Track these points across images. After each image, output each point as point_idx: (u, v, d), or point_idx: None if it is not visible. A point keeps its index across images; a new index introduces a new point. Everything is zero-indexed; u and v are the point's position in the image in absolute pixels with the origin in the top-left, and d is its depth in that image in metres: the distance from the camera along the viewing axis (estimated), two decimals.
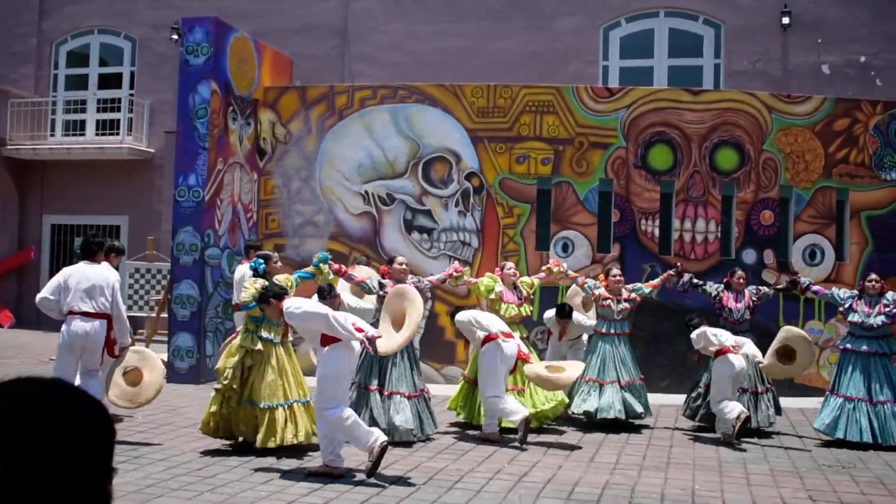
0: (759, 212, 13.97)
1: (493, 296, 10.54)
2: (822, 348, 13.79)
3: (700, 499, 7.53)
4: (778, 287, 11.37)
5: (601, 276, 11.18)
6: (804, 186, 14.01)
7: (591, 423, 10.72)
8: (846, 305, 10.32)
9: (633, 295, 10.97)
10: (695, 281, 11.15)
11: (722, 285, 11.06)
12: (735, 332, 10.63)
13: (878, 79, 19.38)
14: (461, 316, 10.19)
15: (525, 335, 10.77)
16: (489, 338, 9.77)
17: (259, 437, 8.62)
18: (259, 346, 8.80)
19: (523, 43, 20.14)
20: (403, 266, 9.96)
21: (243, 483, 7.61)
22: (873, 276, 10.39)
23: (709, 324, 10.47)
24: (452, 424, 10.59)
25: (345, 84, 16.29)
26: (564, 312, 11.23)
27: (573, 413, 10.83)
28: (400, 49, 20.55)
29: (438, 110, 14.31)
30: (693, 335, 10.27)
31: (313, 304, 8.23)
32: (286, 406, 8.79)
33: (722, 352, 10.00)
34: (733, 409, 9.73)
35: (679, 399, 12.42)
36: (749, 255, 13.85)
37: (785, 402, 11.49)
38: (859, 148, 14.08)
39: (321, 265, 9.55)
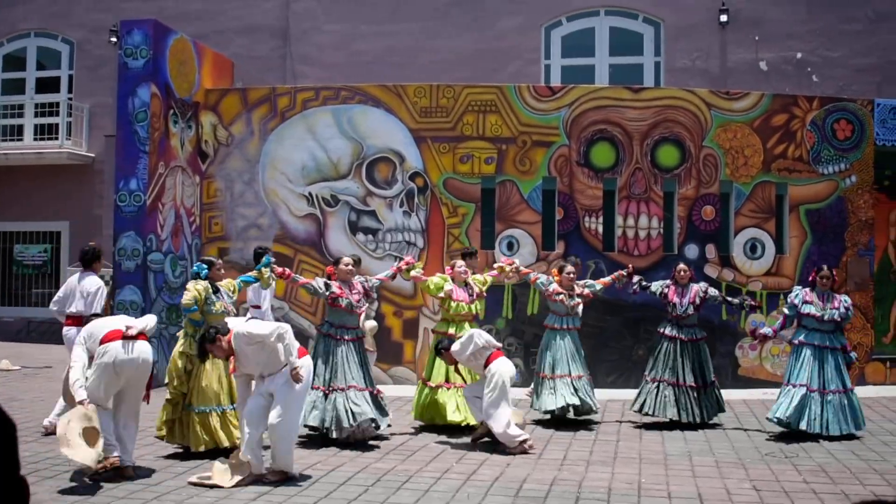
0: (700, 207, 14.15)
1: (441, 294, 10.52)
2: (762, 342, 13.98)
3: (646, 492, 7.61)
4: (730, 301, 11.27)
5: (554, 272, 11.19)
6: (744, 181, 14.21)
7: (539, 420, 10.79)
8: (801, 301, 10.37)
9: (586, 291, 11.06)
10: (643, 283, 11.23)
11: (668, 281, 11.18)
12: (680, 327, 10.76)
13: (815, 75, 19.72)
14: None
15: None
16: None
17: (193, 440, 8.60)
18: None
19: (466, 42, 20.19)
20: (349, 267, 9.92)
21: (189, 490, 7.54)
22: (825, 271, 10.46)
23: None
24: (418, 427, 10.56)
25: (287, 86, 16.21)
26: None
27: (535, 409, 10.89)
28: (342, 49, 20.49)
29: (381, 111, 14.29)
30: (456, 346, 9.67)
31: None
32: (220, 411, 8.72)
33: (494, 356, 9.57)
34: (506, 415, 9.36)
35: (625, 394, 12.57)
36: (691, 250, 14.02)
37: (729, 394, 11.64)
38: (797, 143, 14.32)
39: (263, 269, 9.49)
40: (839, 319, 10.27)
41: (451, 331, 10.41)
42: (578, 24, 20.57)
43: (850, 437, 10.04)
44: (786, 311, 10.50)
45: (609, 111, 14.15)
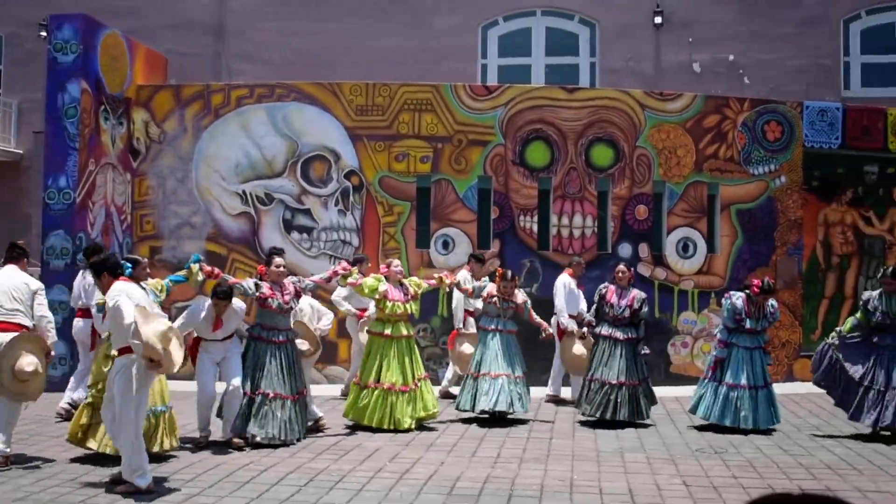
0: (633, 206, 14.30)
1: (377, 295, 10.47)
2: (695, 338, 14.20)
3: (578, 489, 7.67)
4: (638, 332, 11.27)
5: (497, 278, 11.12)
6: (676, 181, 14.39)
7: (473, 418, 10.81)
8: (743, 314, 10.55)
9: (521, 302, 11.05)
10: (593, 324, 11.19)
11: (606, 283, 11.21)
12: (616, 326, 10.82)
13: (746, 77, 20.05)
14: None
15: (412, 332, 10.73)
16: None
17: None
18: None
19: (403, 41, 20.18)
20: (281, 269, 9.81)
21: (115, 495, 7.41)
22: (766, 286, 10.62)
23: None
24: (352, 427, 10.49)
25: (221, 83, 16.04)
26: None
27: (462, 410, 10.88)
28: (278, 47, 20.35)
29: (317, 108, 14.20)
30: None
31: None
32: (149, 414, 8.54)
33: None
34: None
35: (560, 392, 12.64)
36: (625, 249, 14.15)
37: (660, 391, 11.76)
38: (728, 144, 14.53)
39: (192, 266, 9.36)
40: (767, 327, 10.69)
41: (387, 331, 10.39)
42: (515, 23, 20.68)
43: (772, 430, 10.33)
44: (726, 324, 10.64)
45: (544, 111, 14.23)
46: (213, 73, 20.03)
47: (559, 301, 12.27)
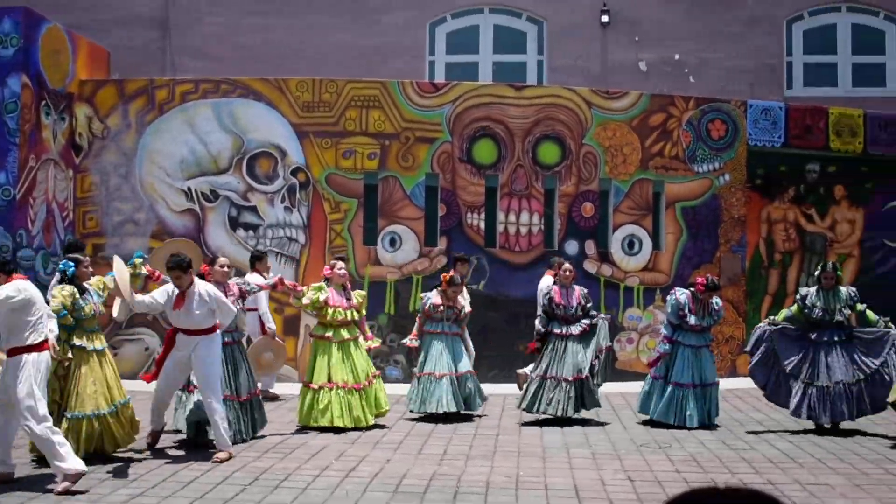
0: (580, 204, 14.38)
1: (318, 305, 10.33)
2: (640, 334, 14.33)
3: (524, 485, 7.69)
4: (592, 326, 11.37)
5: (444, 283, 11.08)
6: (622, 179, 14.50)
7: (422, 415, 10.81)
8: (687, 310, 10.65)
9: (464, 311, 11.07)
10: (541, 330, 11.14)
11: (550, 284, 11.20)
12: (569, 324, 10.84)
13: (692, 76, 20.24)
14: None
15: (354, 335, 10.56)
16: None
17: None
18: (70, 354, 8.41)
19: (350, 37, 20.08)
20: (225, 269, 9.69)
21: (60, 498, 7.30)
22: (702, 284, 10.76)
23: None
24: (299, 426, 10.43)
25: (166, 77, 15.85)
26: None
27: (412, 411, 10.88)
28: (223, 42, 20.15)
29: (263, 105, 14.10)
30: None
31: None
32: (95, 416, 8.41)
33: None
34: None
35: (506, 388, 12.69)
36: (571, 247, 14.24)
37: (606, 386, 11.81)
38: (673, 142, 14.68)
39: (136, 261, 9.23)
40: (712, 324, 10.81)
41: (329, 334, 10.29)
42: (463, 21, 20.68)
43: (716, 426, 10.48)
44: (670, 320, 10.73)
45: (492, 108, 14.27)
46: (157, 69, 19.78)
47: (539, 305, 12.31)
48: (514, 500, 7.26)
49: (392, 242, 14.00)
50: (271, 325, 11.83)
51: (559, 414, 10.54)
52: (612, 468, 8.34)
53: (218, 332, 8.84)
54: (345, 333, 10.35)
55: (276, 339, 11.84)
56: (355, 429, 9.99)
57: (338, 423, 9.99)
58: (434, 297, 10.98)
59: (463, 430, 10.21)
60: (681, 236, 14.65)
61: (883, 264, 16.56)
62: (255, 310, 11.93)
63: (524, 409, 10.79)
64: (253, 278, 12.01)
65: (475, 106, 14.23)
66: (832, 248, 16.26)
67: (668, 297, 10.87)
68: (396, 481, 7.75)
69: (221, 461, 8.39)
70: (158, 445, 9.09)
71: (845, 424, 10.28)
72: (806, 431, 10.21)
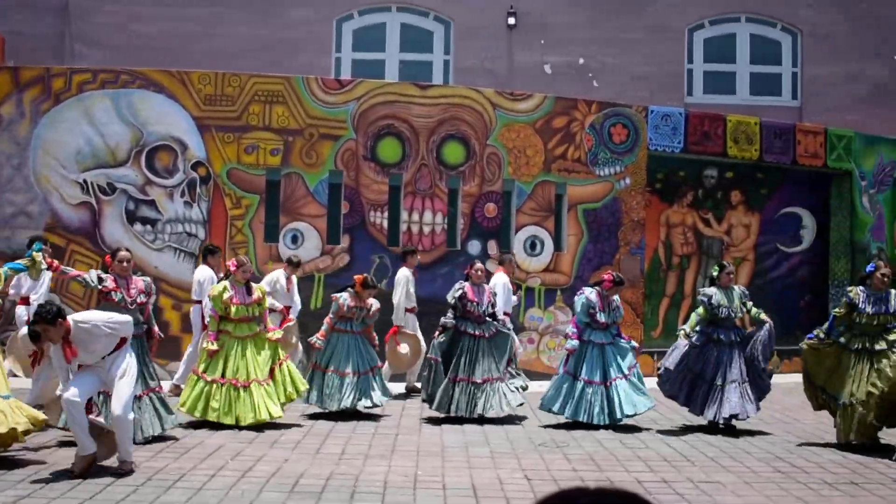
0: (483, 204, 14.45)
1: (223, 303, 10.20)
2: (541, 334, 14.46)
3: (422, 484, 7.68)
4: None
5: (358, 285, 11.00)
6: (525, 180, 14.61)
7: (320, 413, 10.73)
8: (596, 309, 10.79)
9: (373, 310, 11.05)
10: (448, 324, 11.15)
11: (462, 283, 11.14)
12: (479, 324, 10.88)
13: (595, 80, 20.53)
14: None
15: (257, 330, 10.42)
16: None
17: None
18: None
19: (256, 30, 19.85)
20: (125, 264, 9.47)
21: None
22: (609, 280, 10.93)
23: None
24: (190, 424, 10.21)
25: (62, 66, 15.40)
26: None
27: (309, 402, 10.79)
28: (124, 31, 19.71)
29: (163, 97, 13.80)
30: None
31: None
32: None
33: None
34: None
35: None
36: (474, 247, 14.29)
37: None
38: (576, 145, 14.85)
39: (35, 254, 8.95)
40: (617, 320, 11.00)
41: (228, 328, 10.17)
42: (370, 18, 20.62)
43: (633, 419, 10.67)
44: (580, 318, 10.83)
45: (397, 107, 14.23)
46: (55, 57, 19.24)
47: (499, 300, 12.34)
48: (411, 499, 7.24)
49: (294, 240, 13.86)
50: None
51: (468, 414, 10.57)
52: (510, 467, 8.38)
53: (126, 345, 8.17)
54: (246, 330, 10.23)
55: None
56: (254, 427, 9.86)
57: (213, 418, 9.91)
58: (349, 298, 10.92)
59: (362, 429, 10.15)
60: (582, 238, 14.83)
61: (776, 268, 17.04)
62: (200, 302, 11.99)
63: (435, 409, 10.80)
64: (201, 273, 11.98)
65: (380, 104, 14.18)
66: (728, 251, 16.65)
67: (577, 297, 10.92)
68: (293, 481, 7.66)
69: (124, 474, 7.98)
70: (46, 445, 8.82)
71: (745, 424, 10.53)
72: (702, 430, 10.42)
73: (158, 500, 7.01)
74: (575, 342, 10.73)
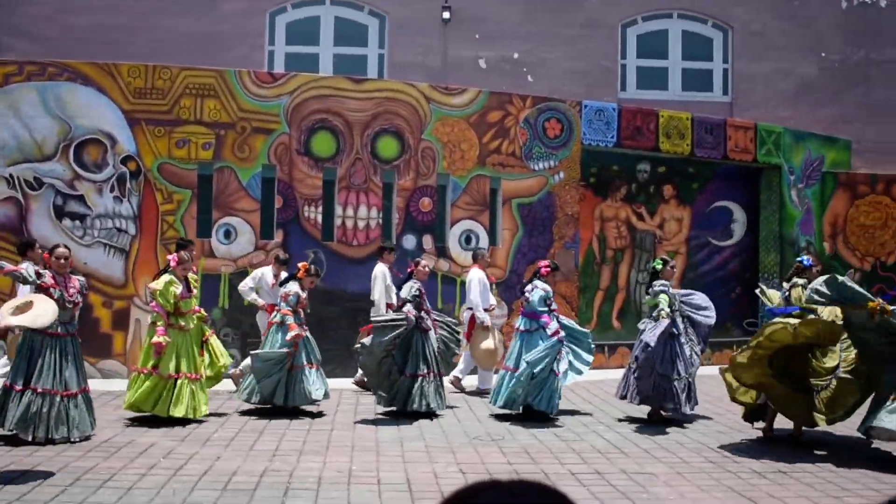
0: (418, 198, 14.42)
1: (172, 299, 10.11)
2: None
3: (356, 479, 7.65)
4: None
5: (302, 272, 10.94)
6: (460, 175, 14.61)
7: (253, 410, 10.64)
8: (551, 300, 10.94)
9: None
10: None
11: (414, 282, 11.09)
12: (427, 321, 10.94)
13: (530, 75, 20.60)
14: None
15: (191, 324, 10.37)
16: None
17: None
18: None
19: (187, 23, 19.57)
20: (62, 261, 9.30)
21: None
22: (547, 266, 11.02)
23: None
24: (132, 420, 10.04)
25: None
26: None
27: (256, 405, 10.70)
28: (53, 22, 19.30)
29: (92, 90, 13.52)
30: None
31: None
32: None
33: None
34: None
35: (343, 383, 12.61)
36: (409, 241, 14.26)
37: (444, 380, 11.87)
38: (510, 139, 14.89)
39: None
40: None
41: (182, 323, 10.13)
42: (303, 11, 20.45)
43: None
44: (538, 310, 10.87)
45: (330, 101, 14.13)
46: None
47: (475, 296, 12.39)
48: (345, 495, 7.20)
49: (227, 235, 13.69)
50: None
51: (412, 409, 10.59)
52: (445, 461, 8.39)
53: None
54: (192, 322, 10.31)
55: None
56: (186, 424, 9.77)
57: (189, 414, 9.91)
58: (298, 290, 10.84)
59: (297, 425, 10.08)
60: (517, 232, 14.88)
61: (707, 262, 17.29)
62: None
63: (395, 409, 10.79)
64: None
65: (314, 98, 14.06)
66: (661, 245, 16.85)
67: (532, 291, 10.88)
68: (226, 479, 7.58)
69: None
70: None
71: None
72: (635, 422, 10.53)
73: (87, 501, 6.89)
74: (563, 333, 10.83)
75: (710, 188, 17.37)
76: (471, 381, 12.88)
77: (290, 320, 10.74)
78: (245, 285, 12.47)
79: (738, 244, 17.73)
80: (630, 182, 16.61)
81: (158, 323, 10.13)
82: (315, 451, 8.71)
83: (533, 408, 10.52)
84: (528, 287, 11.04)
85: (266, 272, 12.50)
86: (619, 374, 14.12)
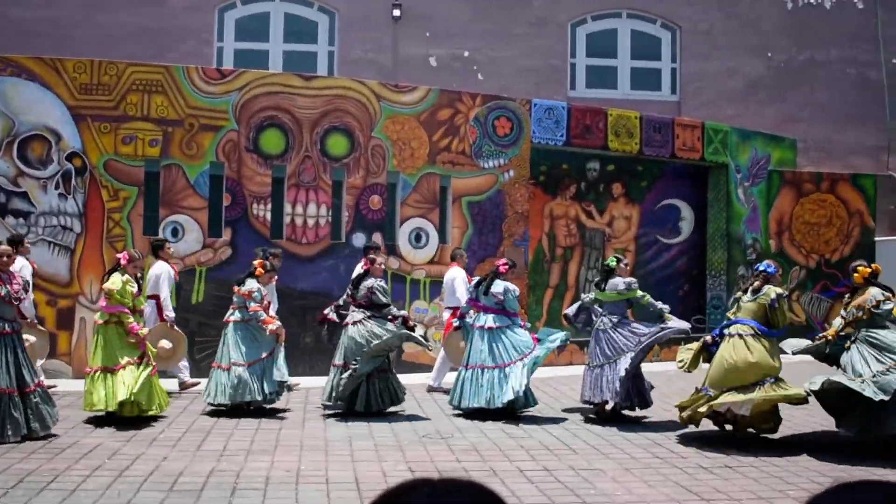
0: (368, 196, 14.38)
1: (128, 296, 10.02)
2: (427, 327, 14.47)
3: (305, 479, 7.60)
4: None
5: (259, 269, 10.83)
6: (410, 172, 14.60)
7: (204, 410, 10.55)
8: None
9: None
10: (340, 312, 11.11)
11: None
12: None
13: (480, 73, 20.65)
14: None
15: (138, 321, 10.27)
16: None
17: None
18: None
19: (134, 18, 19.35)
20: (5, 258, 9.16)
21: None
22: (505, 265, 11.11)
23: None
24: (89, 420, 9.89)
25: None
26: None
27: (211, 404, 10.60)
28: (0, 16, 18.98)
29: (36, 85, 13.29)
30: None
31: None
32: None
33: None
34: None
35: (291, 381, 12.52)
36: (358, 239, 14.21)
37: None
38: (460, 137, 14.90)
39: None
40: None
41: (131, 321, 9.98)
42: (253, 7, 20.31)
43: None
44: (513, 309, 10.92)
45: (280, 98, 14.04)
46: None
47: (460, 294, 12.31)
48: (293, 494, 7.16)
49: (174, 233, 13.54)
50: (170, 312, 11.75)
51: (361, 409, 10.61)
52: (394, 459, 8.37)
53: None
54: (139, 321, 10.30)
55: (175, 328, 11.65)
56: (133, 424, 9.66)
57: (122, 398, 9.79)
58: (260, 286, 10.74)
59: (245, 424, 10.00)
60: (466, 230, 14.90)
61: (656, 259, 17.46)
62: (157, 296, 11.75)
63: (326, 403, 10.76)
64: (158, 268, 11.86)
65: (263, 94, 13.96)
66: (610, 243, 16.98)
67: (508, 291, 10.90)
68: (172, 479, 7.50)
69: None
70: None
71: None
72: (584, 419, 10.59)
73: (30, 503, 6.78)
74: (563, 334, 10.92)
75: (658, 186, 17.55)
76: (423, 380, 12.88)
77: (264, 316, 10.63)
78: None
79: (685, 242, 17.93)
80: (579, 180, 16.72)
81: (128, 321, 10.00)
82: (263, 451, 8.65)
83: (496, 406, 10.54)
84: (496, 285, 11.00)
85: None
86: (568, 371, 14.28)
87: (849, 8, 22.03)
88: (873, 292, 9.31)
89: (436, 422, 10.35)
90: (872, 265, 9.72)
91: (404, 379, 13.09)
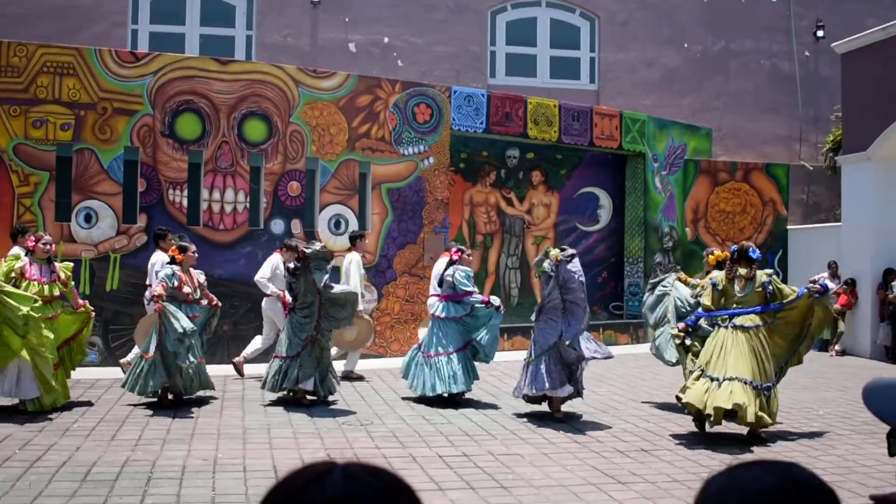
0: (286, 182, 14.24)
1: (13, 274, 9.65)
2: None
3: (221, 467, 7.52)
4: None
5: (176, 253, 10.67)
6: (329, 159, 14.50)
7: (117, 399, 10.35)
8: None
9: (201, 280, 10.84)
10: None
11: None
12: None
13: (400, 59, 20.57)
14: None
15: (57, 313, 9.97)
16: None
17: None
18: None
19: None
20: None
21: None
22: (458, 252, 11.09)
23: None
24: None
25: None
26: None
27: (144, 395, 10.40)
28: None
29: None
30: None
31: None
32: None
33: None
34: None
35: (216, 369, 12.36)
36: (277, 225, 14.08)
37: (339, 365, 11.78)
38: (380, 124, 14.84)
39: None
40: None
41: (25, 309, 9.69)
42: None
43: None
44: (469, 288, 10.85)
45: (196, 82, 13.80)
46: None
47: (354, 281, 12.21)
48: (210, 483, 7.07)
49: (87, 219, 13.24)
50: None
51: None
52: (313, 447, 8.33)
53: None
54: (49, 311, 9.78)
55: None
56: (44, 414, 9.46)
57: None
58: (178, 272, 10.47)
59: (161, 413, 9.84)
60: (386, 217, 14.86)
61: (575, 246, 17.59)
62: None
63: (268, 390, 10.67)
64: (155, 257, 11.57)
65: (178, 78, 13.71)
66: (529, 230, 17.09)
67: (462, 272, 10.83)
68: (86, 469, 7.35)
69: None
70: None
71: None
72: (507, 406, 10.65)
73: None
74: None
75: (577, 174, 17.72)
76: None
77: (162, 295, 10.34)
78: (263, 276, 12.10)
79: (604, 229, 18.15)
80: (499, 168, 16.79)
81: None
82: (179, 440, 8.53)
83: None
84: (450, 272, 10.93)
85: (278, 260, 12.15)
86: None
87: (763, 0, 22.48)
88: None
89: (356, 408, 10.32)
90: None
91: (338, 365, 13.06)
